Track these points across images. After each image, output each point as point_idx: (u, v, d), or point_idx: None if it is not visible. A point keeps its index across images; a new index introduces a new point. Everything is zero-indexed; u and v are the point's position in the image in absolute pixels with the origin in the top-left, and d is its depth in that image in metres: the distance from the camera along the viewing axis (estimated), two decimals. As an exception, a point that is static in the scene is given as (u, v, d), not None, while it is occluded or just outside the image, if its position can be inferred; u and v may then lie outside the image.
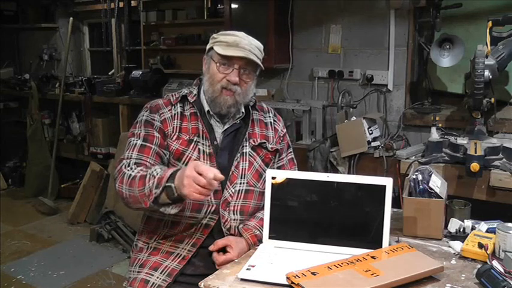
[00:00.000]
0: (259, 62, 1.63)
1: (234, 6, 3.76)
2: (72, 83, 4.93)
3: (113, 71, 5.08)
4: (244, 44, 1.60)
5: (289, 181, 1.56)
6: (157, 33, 4.68)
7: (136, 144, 1.62)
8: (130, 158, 1.59)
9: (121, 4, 4.69)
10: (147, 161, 1.58)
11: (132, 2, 4.77)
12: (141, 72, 4.30)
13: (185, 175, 1.38)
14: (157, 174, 1.46)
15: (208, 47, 1.67)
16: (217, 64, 1.62)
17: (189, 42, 4.43)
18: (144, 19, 4.68)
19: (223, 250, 1.58)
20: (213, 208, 1.62)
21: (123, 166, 1.57)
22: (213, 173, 1.36)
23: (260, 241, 1.57)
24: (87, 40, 5.67)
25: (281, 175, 1.57)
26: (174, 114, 1.67)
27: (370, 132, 2.87)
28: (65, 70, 4.92)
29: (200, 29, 4.39)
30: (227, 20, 3.76)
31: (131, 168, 1.55)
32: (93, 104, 4.65)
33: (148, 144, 1.61)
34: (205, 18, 4.35)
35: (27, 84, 5.09)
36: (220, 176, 1.38)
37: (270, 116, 1.81)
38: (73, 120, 5.02)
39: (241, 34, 1.63)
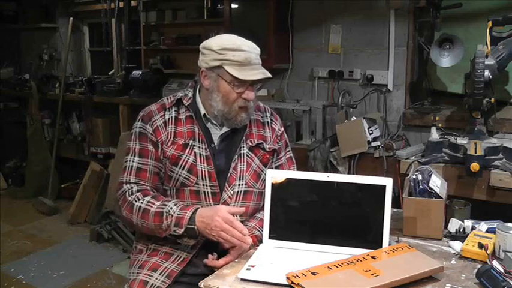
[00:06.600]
0: (269, 75, 1.61)
1: (234, 6, 3.76)
2: (72, 83, 4.93)
3: (113, 71, 5.07)
4: (253, 59, 1.58)
5: (289, 181, 1.56)
6: (157, 33, 4.67)
7: (132, 166, 1.64)
8: (130, 183, 1.62)
9: (121, 4, 4.68)
10: (146, 185, 1.63)
11: (132, 2, 4.76)
12: (141, 72, 4.30)
13: (214, 219, 1.48)
14: (174, 212, 1.52)
15: (212, 63, 1.58)
16: (231, 84, 1.59)
17: (189, 42, 4.42)
18: (144, 19, 4.67)
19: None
20: (213, 210, 1.62)
21: (126, 193, 1.61)
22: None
23: (260, 241, 1.57)
24: (87, 40, 5.66)
25: (281, 175, 1.57)
26: (168, 119, 1.66)
27: (370, 132, 2.87)
28: (65, 70, 4.91)
29: (200, 29, 4.38)
30: (227, 20, 3.76)
31: (138, 198, 1.58)
32: (93, 104, 4.65)
33: (144, 166, 1.63)
34: (205, 18, 4.35)
35: (27, 84, 5.08)
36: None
37: (267, 116, 1.80)
38: (73, 120, 5.01)
39: (245, 45, 1.58)
